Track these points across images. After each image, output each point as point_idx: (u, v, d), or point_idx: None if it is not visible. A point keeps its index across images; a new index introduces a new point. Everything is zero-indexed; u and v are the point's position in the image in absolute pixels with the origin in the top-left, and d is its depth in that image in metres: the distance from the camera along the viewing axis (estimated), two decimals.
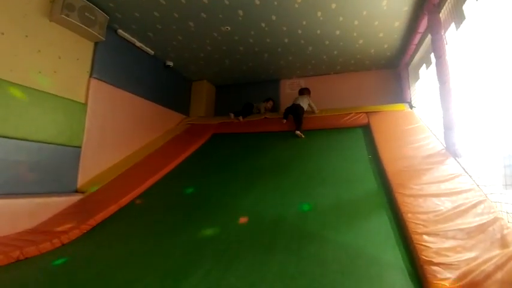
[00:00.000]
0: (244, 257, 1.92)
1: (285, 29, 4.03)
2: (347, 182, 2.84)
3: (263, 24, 3.92)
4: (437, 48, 3.36)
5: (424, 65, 4.31)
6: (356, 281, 1.61)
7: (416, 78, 4.64)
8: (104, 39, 3.70)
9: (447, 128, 3.13)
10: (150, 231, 2.47)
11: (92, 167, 3.66)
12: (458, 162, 2.82)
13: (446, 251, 1.75)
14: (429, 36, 3.82)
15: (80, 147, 3.52)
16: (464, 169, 2.70)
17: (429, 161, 2.90)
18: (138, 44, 4.37)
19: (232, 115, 5.14)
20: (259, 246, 2.05)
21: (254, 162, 3.65)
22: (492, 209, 2.14)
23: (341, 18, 3.75)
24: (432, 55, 4.02)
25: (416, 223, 2.08)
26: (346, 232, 2.13)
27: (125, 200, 3.02)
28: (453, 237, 1.91)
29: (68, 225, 2.60)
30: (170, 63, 5.11)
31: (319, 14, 3.66)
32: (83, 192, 3.40)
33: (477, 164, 2.75)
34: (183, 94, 5.96)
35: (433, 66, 4.01)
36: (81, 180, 3.52)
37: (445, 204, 2.25)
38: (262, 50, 4.68)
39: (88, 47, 3.70)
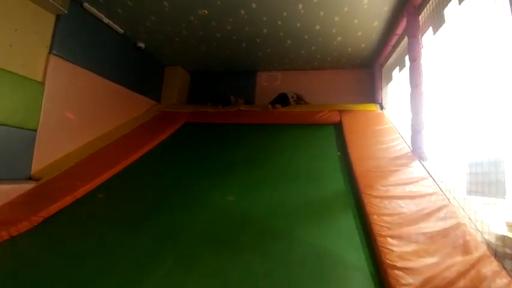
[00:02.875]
0: (207, 255, 1.87)
1: (264, 18, 3.90)
2: (317, 179, 2.86)
3: (242, 12, 3.76)
4: (412, 51, 3.44)
5: (398, 67, 4.43)
6: (320, 283, 1.63)
7: (389, 79, 4.76)
8: (66, 12, 3.34)
9: (415, 131, 3.24)
10: (108, 227, 2.31)
11: (49, 153, 3.37)
12: (423, 165, 2.94)
13: (409, 255, 1.79)
14: (406, 38, 3.92)
15: (35, 130, 3.21)
16: (429, 172, 2.81)
17: (396, 163, 2.99)
18: (105, 20, 4.01)
19: (209, 103, 5.01)
20: (226, 244, 2.01)
21: (226, 154, 3.57)
22: (455, 214, 2.19)
23: (322, 13, 3.70)
24: (407, 58, 4.16)
25: (381, 225, 2.13)
26: (314, 231, 2.15)
27: (82, 191, 2.80)
28: (416, 241, 1.94)
29: (18, 216, 2.37)
30: (141, 45, 4.78)
31: (300, 6, 3.57)
32: (37, 180, 3.12)
33: (442, 169, 2.87)
34: (155, 79, 5.63)
35: (406, 69, 4.16)
36: (36, 167, 3.23)
37: (409, 207, 2.30)
38: (240, 39, 4.52)
39: (48, 20, 3.33)
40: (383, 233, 2.03)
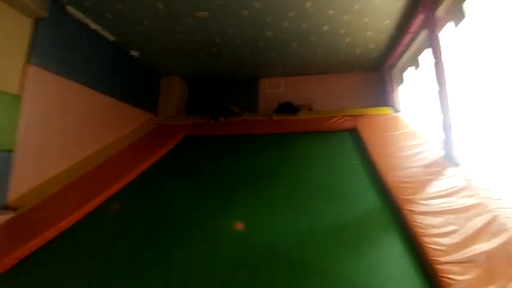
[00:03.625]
0: None
1: (269, 20, 3.58)
2: (344, 195, 2.47)
3: (245, 13, 3.43)
4: (434, 47, 3.15)
5: (410, 68, 4.15)
6: None
7: (401, 81, 4.48)
8: (46, 14, 2.95)
9: (445, 134, 2.92)
10: (95, 271, 1.85)
11: (29, 177, 2.90)
12: (459, 172, 2.60)
13: (477, 284, 1.54)
14: (419, 37, 3.66)
15: (11, 151, 2.74)
16: (467, 180, 2.47)
17: (429, 171, 2.65)
18: (93, 26, 3.62)
19: (211, 121, 4.60)
20: (247, 285, 1.58)
21: (234, 170, 3.16)
22: (506, 226, 1.93)
23: (331, 12, 3.40)
24: (420, 57, 3.90)
25: (435, 249, 1.77)
26: (352, 263, 1.75)
27: (67, 222, 2.35)
28: (479, 265, 1.66)
29: None
30: (135, 53, 4.39)
31: (308, 4, 3.27)
32: (14, 209, 2.64)
33: (481, 174, 2.54)
34: (150, 90, 5.20)
35: (422, 68, 3.89)
36: (14, 194, 2.75)
37: (458, 223, 1.99)
38: (241, 44, 4.19)
39: (24, 24, 2.92)
40: (441, 259, 1.71)
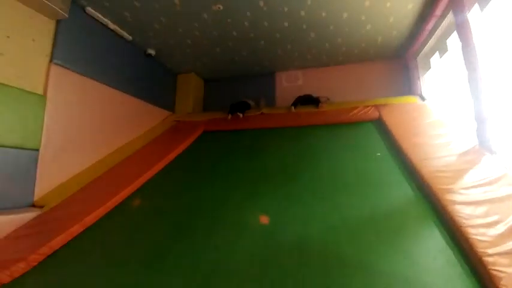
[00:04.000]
0: None
1: (286, 9, 3.47)
2: (374, 186, 2.33)
3: (261, 3, 3.34)
4: (462, 30, 2.93)
5: (437, 53, 3.91)
6: None
7: (427, 68, 4.24)
8: (67, 16, 3.00)
9: (479, 121, 2.70)
10: (124, 263, 1.82)
11: (54, 175, 2.96)
12: (496, 159, 2.40)
13: None
14: (445, 20, 3.44)
15: (37, 149, 2.80)
16: (505, 168, 2.28)
17: (466, 160, 2.46)
18: (112, 26, 3.66)
19: (229, 116, 4.48)
20: (277, 282, 1.49)
21: (255, 164, 3.07)
22: None
23: None
24: (448, 41, 3.66)
25: (481, 240, 1.61)
26: (390, 256, 1.62)
27: (91, 218, 2.34)
28: None
29: (12, 256, 1.91)
30: (152, 52, 4.41)
31: None
32: (40, 207, 2.70)
33: None
34: (167, 88, 5.24)
35: (450, 53, 3.65)
36: (39, 192, 2.81)
37: (501, 213, 1.82)
38: (258, 36, 4.10)
39: (48, 26, 2.98)
40: (488, 251, 1.55)
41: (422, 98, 4.09)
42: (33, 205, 2.72)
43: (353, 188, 2.30)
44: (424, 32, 3.84)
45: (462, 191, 2.04)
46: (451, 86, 3.67)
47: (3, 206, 2.46)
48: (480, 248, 1.56)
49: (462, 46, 2.92)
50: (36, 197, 2.75)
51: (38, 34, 2.87)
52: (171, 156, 3.49)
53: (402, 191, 2.21)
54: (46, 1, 2.73)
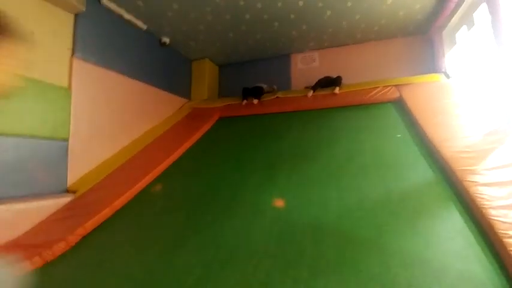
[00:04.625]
0: (275, 276, 1.43)
1: None
2: (392, 168, 2.30)
3: None
4: (491, 2, 2.72)
5: (465, 27, 3.65)
6: None
7: (453, 43, 3.98)
8: (84, 9, 3.08)
9: (506, 99, 2.55)
10: (152, 243, 1.97)
11: (83, 162, 3.16)
12: None
13: None
14: None
15: (66, 139, 2.99)
16: None
17: (491, 139, 2.34)
18: (127, 16, 3.72)
19: (244, 101, 4.48)
20: (296, 261, 1.55)
21: (271, 148, 3.10)
22: None
23: None
24: (476, 14, 3.40)
25: (503, 222, 1.58)
26: (408, 237, 1.63)
27: (119, 202, 2.52)
28: None
29: (53, 237, 2.12)
30: (166, 40, 4.46)
31: None
32: (74, 192, 2.91)
33: None
34: (183, 75, 5.31)
35: (477, 27, 3.39)
36: (72, 178, 3.03)
37: None
38: (272, 18, 4.01)
39: (67, 20, 3.08)
40: (510, 233, 1.50)
41: (447, 76, 3.88)
42: (67, 191, 2.94)
43: (370, 170, 2.28)
44: (450, 5, 3.59)
45: (485, 172, 1.97)
46: (477, 62, 3.44)
47: (41, 192, 2.69)
48: (501, 230, 1.53)
49: (492, 20, 2.72)
50: (69, 183, 2.97)
51: (59, 29, 2.98)
52: (189, 143, 3.59)
53: (421, 173, 2.17)
54: None
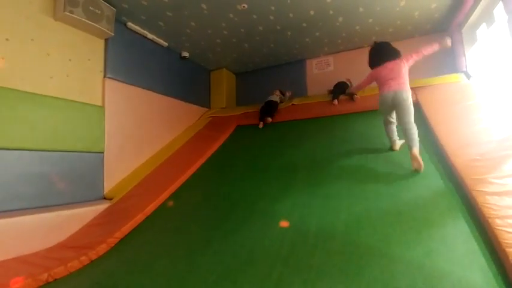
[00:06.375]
0: (286, 277, 1.60)
1: None
2: (403, 177, 2.36)
3: None
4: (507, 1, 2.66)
5: (484, 24, 3.54)
6: None
7: (473, 41, 3.86)
8: (112, 34, 3.41)
9: None
10: (178, 245, 2.22)
11: (117, 172, 3.52)
12: None
13: None
14: None
15: (102, 152, 3.36)
16: None
17: (506, 146, 2.31)
18: (149, 36, 4.05)
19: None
20: (306, 264, 1.70)
21: (286, 156, 3.26)
22: None
23: None
24: (495, 10, 3.29)
25: (509, 232, 1.61)
26: (413, 246, 1.71)
27: (150, 209, 2.83)
28: None
29: (95, 239, 2.45)
30: (186, 54, 4.76)
31: None
32: (110, 199, 3.27)
33: None
34: (203, 86, 5.62)
35: (498, 24, 3.28)
36: (108, 186, 3.39)
37: None
38: (284, 28, 4.14)
39: (98, 45, 3.45)
40: None
41: (468, 76, 3.77)
42: (104, 198, 3.31)
43: (381, 179, 2.36)
44: (468, 1, 3.50)
45: (496, 181, 1.97)
46: (499, 61, 3.33)
47: (82, 199, 3.07)
48: (505, 239, 1.57)
49: (508, 19, 2.67)
50: (105, 191, 3.34)
51: (91, 53, 3.35)
52: (210, 152, 3.85)
53: (431, 182, 2.21)
54: (96, 24, 3.16)
